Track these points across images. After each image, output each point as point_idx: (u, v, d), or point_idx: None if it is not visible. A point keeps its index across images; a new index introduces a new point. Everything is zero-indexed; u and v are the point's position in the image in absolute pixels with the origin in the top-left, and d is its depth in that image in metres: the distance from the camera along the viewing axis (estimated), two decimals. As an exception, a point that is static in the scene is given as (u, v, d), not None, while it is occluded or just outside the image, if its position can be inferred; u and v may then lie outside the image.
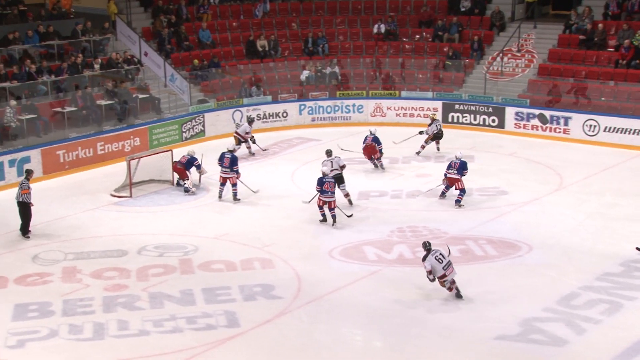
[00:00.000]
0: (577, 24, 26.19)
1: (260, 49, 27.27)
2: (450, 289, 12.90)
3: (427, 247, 12.94)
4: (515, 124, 24.53)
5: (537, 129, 24.12)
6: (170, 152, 19.69)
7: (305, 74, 26.91)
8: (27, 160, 19.54)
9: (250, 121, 22.61)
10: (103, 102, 22.37)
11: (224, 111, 24.77)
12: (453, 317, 12.35)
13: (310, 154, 22.21)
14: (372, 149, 20.45)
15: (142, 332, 11.97)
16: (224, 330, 12.02)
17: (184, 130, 23.62)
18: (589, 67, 25.06)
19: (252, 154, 22.12)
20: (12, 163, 19.29)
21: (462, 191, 17.63)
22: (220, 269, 14.40)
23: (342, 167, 17.95)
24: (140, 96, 23.54)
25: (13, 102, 20.35)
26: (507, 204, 17.79)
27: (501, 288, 13.45)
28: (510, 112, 24.61)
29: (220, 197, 18.25)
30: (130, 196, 18.48)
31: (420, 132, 21.93)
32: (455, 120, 25.53)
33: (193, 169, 19.05)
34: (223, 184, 18.21)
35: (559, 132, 23.75)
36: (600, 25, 25.62)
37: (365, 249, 15.26)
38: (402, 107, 26.06)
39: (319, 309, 12.77)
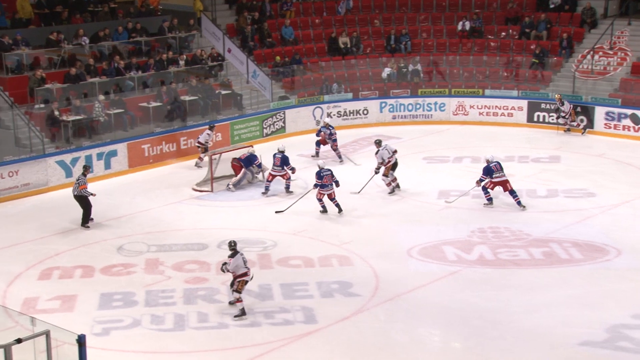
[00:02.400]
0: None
1: (342, 46, 27.32)
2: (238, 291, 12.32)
3: (232, 246, 12.45)
4: (605, 124, 23.79)
5: (629, 130, 23.34)
6: (251, 147, 19.94)
7: (387, 71, 26.80)
8: (114, 153, 20.18)
9: (211, 128, 21.12)
10: (187, 98, 22.87)
11: (305, 108, 24.94)
12: (536, 321, 12.08)
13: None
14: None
15: (221, 324, 12.17)
16: (301, 326, 12.10)
17: (265, 126, 23.90)
18: (688, 65, 24.08)
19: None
20: (99, 156, 19.94)
21: (514, 192, 17.20)
22: (298, 264, 14.51)
23: (394, 152, 18.62)
24: (223, 92, 23.95)
25: (102, 97, 21.05)
26: (595, 206, 17.28)
27: (587, 293, 13.07)
28: (600, 111, 23.89)
29: (265, 192, 18.45)
30: (212, 191, 18.83)
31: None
32: (541, 119, 24.94)
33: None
34: (270, 180, 18.57)
35: (652, 133, 22.93)
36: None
37: (445, 249, 15.09)
38: (485, 106, 25.64)
39: (396, 308, 12.71)
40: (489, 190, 17.39)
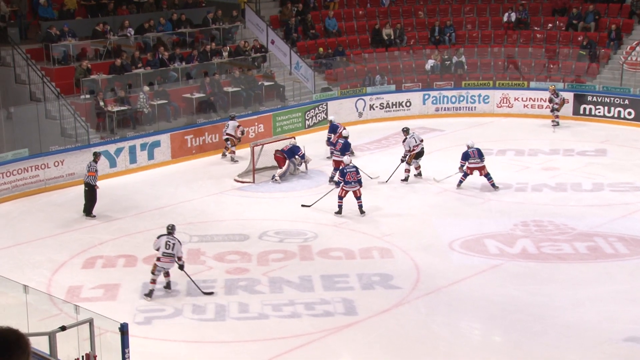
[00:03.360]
0: None
1: (385, 38, 27.18)
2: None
3: (169, 230, 12.96)
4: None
5: (678, 122, 22.82)
6: (293, 138, 19.97)
7: (430, 63, 26.58)
8: (157, 144, 20.41)
9: (232, 118, 20.99)
10: (230, 89, 22.99)
11: (347, 99, 24.89)
12: (580, 316, 11.90)
13: (434, 144, 21.92)
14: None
15: (262, 315, 12.23)
16: (342, 318, 12.10)
17: (307, 117, 23.92)
18: None
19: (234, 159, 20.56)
20: (143, 147, 20.18)
21: (489, 175, 17.80)
22: (339, 256, 14.50)
23: (421, 140, 18.74)
24: (266, 83, 24.03)
25: (146, 88, 21.29)
26: (642, 201, 16.94)
27: (632, 288, 12.83)
28: (648, 104, 23.39)
29: (331, 179, 18.47)
30: (253, 182, 18.91)
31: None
32: (587, 112, 24.51)
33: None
34: (336, 168, 18.43)
35: (703, 126, 22.35)
36: None
37: (487, 242, 14.94)
38: (530, 98, 25.27)
39: (437, 301, 12.63)
40: (467, 174, 17.94)
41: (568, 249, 14.49)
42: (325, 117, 24.27)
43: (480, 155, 17.93)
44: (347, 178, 16.50)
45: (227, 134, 20.81)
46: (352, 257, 14.45)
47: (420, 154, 18.72)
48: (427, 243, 15.00)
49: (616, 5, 27.01)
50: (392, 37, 27.23)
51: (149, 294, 12.77)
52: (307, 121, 23.92)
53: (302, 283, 13.31)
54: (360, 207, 16.51)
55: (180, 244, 13.08)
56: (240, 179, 19.13)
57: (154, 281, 12.82)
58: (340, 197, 16.57)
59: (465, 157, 17.99)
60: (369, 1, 28.64)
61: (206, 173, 19.81)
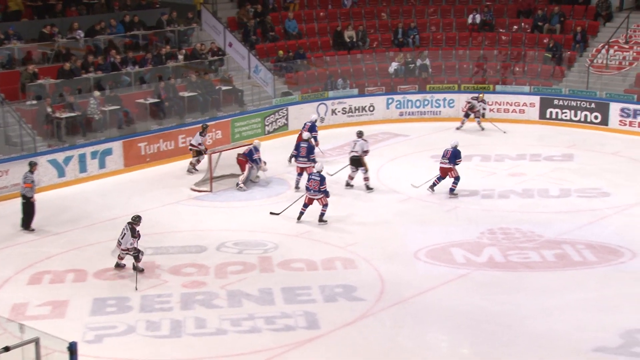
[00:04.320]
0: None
1: (347, 40, 27.25)
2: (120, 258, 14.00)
3: (132, 219, 13.88)
4: (621, 120, 23.69)
5: (645, 127, 23.24)
6: (256, 140, 19.84)
7: (394, 66, 26.72)
8: (108, 152, 20.13)
9: (204, 129, 20.69)
10: (186, 94, 22.82)
11: (309, 104, 24.86)
12: (548, 326, 11.99)
13: (398, 150, 22.04)
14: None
15: (220, 331, 12.10)
16: (303, 332, 12.03)
17: (267, 123, 23.84)
18: None
19: (195, 169, 20.21)
20: (94, 155, 19.88)
21: (456, 179, 17.99)
22: (301, 267, 14.43)
23: (365, 152, 18.51)
24: (224, 88, 23.89)
25: (97, 93, 20.99)
26: (609, 207, 17.19)
27: (601, 296, 12.98)
28: (615, 108, 23.80)
29: (296, 187, 18.45)
30: (211, 191, 18.76)
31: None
32: (553, 116, 24.84)
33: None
34: (300, 173, 18.53)
35: (670, 130, 22.81)
36: None
37: (453, 251, 15.00)
38: (496, 102, 25.54)
39: (403, 313, 12.64)
40: (441, 177, 18.16)
41: (536, 257, 14.62)
42: (285, 122, 24.23)
43: (452, 156, 17.98)
44: (309, 184, 16.46)
45: (191, 145, 20.53)
46: (314, 268, 14.39)
47: (354, 162, 18.56)
48: (391, 252, 15.01)
49: (581, 7, 27.47)
50: (355, 40, 27.32)
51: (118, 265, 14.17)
52: (266, 127, 23.84)
53: (262, 296, 13.20)
54: (322, 215, 16.48)
55: (134, 235, 13.65)
56: (197, 188, 18.96)
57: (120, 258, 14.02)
58: (306, 205, 16.54)
59: (442, 156, 18.20)
60: (330, 2, 28.71)
61: (161, 182, 19.60)
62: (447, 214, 17.11)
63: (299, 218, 16.57)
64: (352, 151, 18.66)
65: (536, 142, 22.82)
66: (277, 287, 13.51)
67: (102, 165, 20.01)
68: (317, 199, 16.45)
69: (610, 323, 11.93)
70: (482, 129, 23.87)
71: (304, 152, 18.50)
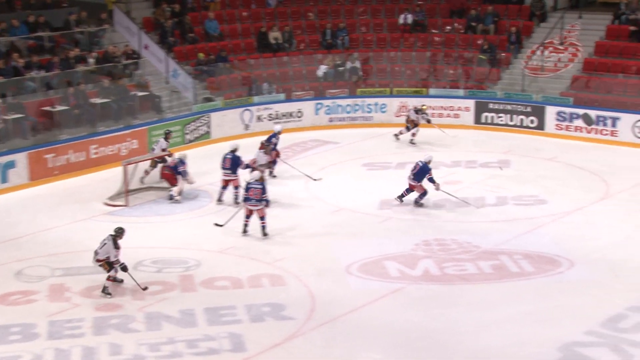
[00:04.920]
0: (627, 13, 25.97)
1: (273, 42, 27.31)
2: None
3: (118, 233, 14.06)
4: (557, 125, 24.37)
5: (581, 131, 23.96)
6: (172, 156, 19.71)
7: (322, 69, 26.90)
8: (11, 165, 19.67)
9: (167, 135, 20.85)
10: (98, 101, 22.50)
11: (232, 110, 24.83)
12: (485, 341, 12.24)
13: (328, 158, 22.18)
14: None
15: (137, 357, 11.94)
16: (228, 355, 11.98)
17: (187, 131, 23.69)
18: (640, 61, 24.87)
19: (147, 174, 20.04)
20: (-5, 168, 19.47)
21: (423, 194, 18.17)
22: (225, 286, 14.37)
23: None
24: (139, 94, 23.66)
25: (-2, 101, 20.56)
26: (546, 214, 17.66)
27: (539, 308, 13.31)
28: (551, 111, 24.47)
29: (219, 200, 18.47)
30: (127, 205, 18.54)
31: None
32: (489, 121, 25.41)
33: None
34: (224, 187, 18.53)
35: (606, 134, 23.58)
36: (653, 14, 25.42)
37: (387, 264, 15.17)
38: (430, 106, 25.92)
39: (334, 331, 12.71)
40: (410, 190, 18.30)
41: (472, 269, 14.91)
42: (207, 130, 24.13)
43: (419, 173, 18.04)
44: (249, 194, 16.42)
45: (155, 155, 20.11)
46: (240, 286, 14.36)
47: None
48: (322, 267, 15.08)
49: (515, 7, 28.21)
50: (280, 41, 27.41)
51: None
52: (187, 135, 23.69)
53: (184, 318, 13.09)
54: (263, 228, 16.50)
55: (117, 247, 13.80)
56: (111, 202, 18.70)
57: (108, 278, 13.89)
58: (247, 216, 16.55)
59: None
60: (253, 1, 28.74)
61: (71, 196, 19.26)
62: (380, 225, 17.31)
63: (244, 231, 16.56)
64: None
65: (472, 148, 23.30)
66: (200, 308, 13.41)
67: (4, 179, 19.56)
68: (257, 210, 16.41)
69: (548, 336, 12.24)
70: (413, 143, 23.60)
71: (228, 164, 18.42)
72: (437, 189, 18.03)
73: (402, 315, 13.19)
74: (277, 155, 20.70)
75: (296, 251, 15.89)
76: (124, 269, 13.90)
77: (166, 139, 20.51)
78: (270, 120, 25.30)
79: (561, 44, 26.42)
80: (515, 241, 16.17)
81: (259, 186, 16.47)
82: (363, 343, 12.36)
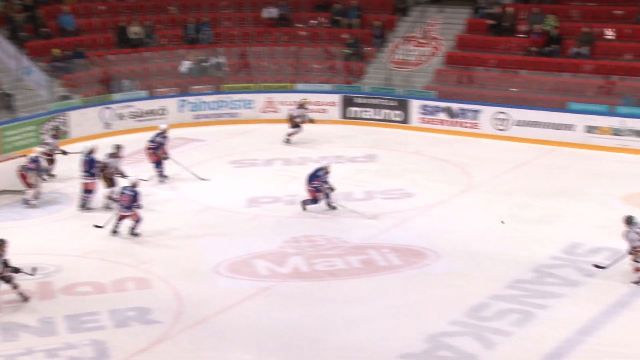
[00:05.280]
0: (485, 8, 27.04)
1: (133, 37, 26.86)
2: None
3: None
4: (421, 118, 25.12)
5: (445, 124, 24.81)
6: (26, 158, 19.08)
7: (185, 65, 26.70)
8: None
9: (55, 132, 20.82)
10: (-56, 100, 21.52)
11: (92, 109, 24.34)
12: (355, 336, 12.48)
13: (194, 157, 22.02)
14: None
15: (-9, 371, 11.58)
16: (92, 363, 11.76)
17: (43, 131, 22.96)
18: (499, 54, 25.94)
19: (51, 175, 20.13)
20: None
21: (314, 200, 17.71)
22: (87, 291, 14.08)
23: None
24: (-11, 92, 22.81)
25: None
26: (413, 208, 18.19)
27: (406, 301, 13.71)
28: (415, 105, 25.21)
29: (82, 206, 18.06)
30: (-22, 210, 17.86)
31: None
32: (355, 115, 25.89)
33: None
34: (87, 190, 18.12)
35: (468, 126, 24.50)
36: (509, 9, 26.55)
37: (256, 263, 15.25)
38: (296, 102, 26.16)
39: (203, 334, 12.66)
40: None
41: (341, 264, 15.19)
42: (66, 129, 23.49)
43: (310, 177, 17.75)
44: (120, 199, 16.19)
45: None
46: (103, 291, 14.09)
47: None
48: (189, 268, 15.00)
49: (378, 0, 28.81)
50: (141, 36, 27.00)
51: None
52: (43, 135, 22.96)
53: (43, 326, 12.74)
54: (133, 228, 16.36)
55: None
56: (-39, 208, 17.94)
57: None
58: (119, 219, 16.32)
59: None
60: (111, -6, 28.17)
61: None
62: (248, 223, 17.36)
63: (113, 231, 16.37)
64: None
65: (339, 142, 23.70)
66: (60, 315, 13.08)
67: None
68: (129, 216, 16.19)
69: (415, 328, 12.63)
70: (288, 141, 23.64)
71: (85, 166, 17.96)
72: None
73: (272, 313, 13.29)
74: (164, 154, 20.15)
75: (162, 253, 15.73)
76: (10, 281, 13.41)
77: (55, 137, 20.16)
78: (132, 118, 24.89)
79: (423, 37, 27.23)
80: (383, 235, 16.58)
81: (130, 193, 16.20)
82: (233, 344, 12.38)
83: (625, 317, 12.92)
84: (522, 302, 13.38)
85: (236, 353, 12.17)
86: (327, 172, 17.72)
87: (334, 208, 17.71)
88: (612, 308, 13.16)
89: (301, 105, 23.74)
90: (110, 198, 17.94)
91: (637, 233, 14.04)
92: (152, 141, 20.12)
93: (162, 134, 20.28)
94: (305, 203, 17.79)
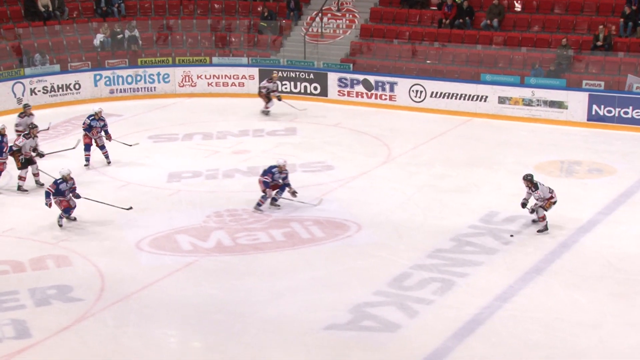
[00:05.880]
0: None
1: (42, 9, 26.06)
2: None
3: None
4: (339, 91, 25.21)
5: (362, 96, 24.96)
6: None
7: (99, 38, 26.10)
8: None
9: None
10: None
11: (2, 83, 23.67)
12: (280, 309, 12.54)
13: (112, 132, 21.51)
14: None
15: None
16: (12, 343, 11.54)
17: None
18: (413, 27, 26.20)
19: None
20: None
21: (262, 196, 16.48)
22: (5, 270, 13.79)
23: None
24: None
25: None
26: (334, 180, 18.30)
27: (330, 273, 13.83)
28: (333, 78, 25.28)
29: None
30: None
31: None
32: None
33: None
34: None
35: (385, 99, 24.72)
36: (422, -19, 26.80)
37: (179, 238, 15.13)
38: (214, 76, 25.98)
39: (126, 310, 12.54)
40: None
41: (265, 238, 15.20)
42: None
43: (263, 172, 16.54)
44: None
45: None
46: (22, 269, 13.80)
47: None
48: (110, 245, 14.81)
49: (292, -28, 28.70)
50: (50, 9, 26.23)
51: None
52: None
53: (-41, 309, 12.41)
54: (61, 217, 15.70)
55: None
56: None
57: None
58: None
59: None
60: (19, -35, 27.21)
61: None
62: (169, 198, 17.19)
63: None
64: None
65: (258, 116, 23.59)
66: (-23, 296, 12.75)
67: None
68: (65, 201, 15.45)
69: (339, 300, 12.75)
70: (267, 113, 23.26)
71: None
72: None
73: (196, 288, 13.24)
74: (109, 138, 19.33)
75: (82, 229, 15.48)
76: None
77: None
78: (45, 93, 24.21)
79: (338, 10, 27.26)
80: (306, 208, 16.63)
81: (68, 185, 15.45)
82: (157, 320, 12.30)
83: (540, 283, 13.32)
84: (443, 271, 13.65)
85: (161, 329, 12.11)
86: (281, 172, 16.44)
87: (277, 206, 16.65)
88: (527, 275, 13.55)
89: (271, 79, 23.44)
90: (21, 178, 17.40)
91: (548, 188, 15.01)
92: (83, 123, 19.27)
93: (93, 116, 19.17)
94: (258, 206, 16.51)
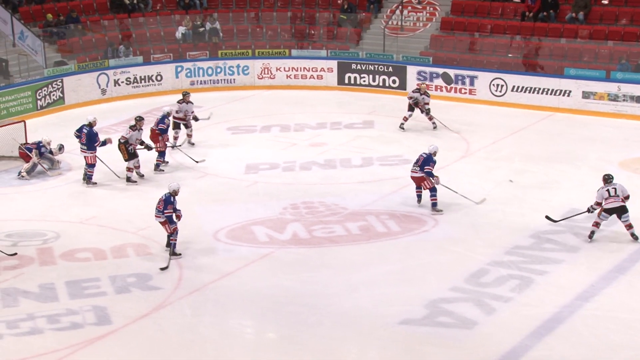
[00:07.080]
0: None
1: (127, 2, 26.56)
2: None
3: None
4: (418, 84, 24.89)
5: (441, 90, 24.67)
6: (22, 123, 18.95)
7: (181, 30, 26.44)
8: None
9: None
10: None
11: (87, 74, 24.11)
12: (354, 302, 12.50)
13: (191, 123, 21.85)
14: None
15: (-6, 335, 11.54)
16: (93, 329, 11.74)
17: (39, 97, 22.79)
18: (495, 20, 25.77)
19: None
20: None
21: (432, 190, 15.92)
22: (87, 257, 14.05)
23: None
24: (-16, 58, 22.57)
25: None
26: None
27: (406, 267, 13.71)
28: (411, 71, 25.05)
29: (84, 179, 17.62)
30: (-24, 177, 17.75)
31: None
32: (352, 81, 25.75)
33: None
34: (91, 165, 17.57)
35: (465, 92, 24.39)
36: (505, -26, 26.33)
37: (255, 229, 15.21)
38: (292, 68, 26.06)
39: (203, 300, 12.67)
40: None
41: (340, 231, 15.16)
42: (61, 95, 23.31)
43: (423, 163, 15.88)
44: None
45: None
46: (103, 257, 14.07)
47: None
48: (188, 235, 14.95)
49: (374, -35, 28.55)
50: (135, 2, 26.68)
51: None
52: (39, 101, 22.82)
53: (43, 292, 12.73)
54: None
55: None
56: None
57: None
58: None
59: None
60: (105, -41, 27.79)
61: None
62: (246, 189, 17.31)
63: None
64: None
65: (336, 109, 23.58)
66: (61, 281, 13.07)
67: None
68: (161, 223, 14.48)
69: (414, 295, 12.64)
70: (435, 127, 21.35)
71: (84, 139, 17.22)
72: (437, 183, 15.88)
73: (272, 280, 13.29)
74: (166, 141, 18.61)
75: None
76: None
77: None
78: (128, 84, 24.69)
79: (419, 3, 27.00)
80: (382, 201, 16.54)
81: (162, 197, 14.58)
82: (233, 310, 12.39)
83: (624, 283, 12.97)
84: (521, 268, 13.39)
85: (236, 319, 12.19)
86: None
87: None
88: (610, 273, 13.21)
89: (421, 90, 21.43)
90: (129, 170, 17.66)
91: (607, 191, 14.26)
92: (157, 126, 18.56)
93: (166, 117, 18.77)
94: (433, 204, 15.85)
